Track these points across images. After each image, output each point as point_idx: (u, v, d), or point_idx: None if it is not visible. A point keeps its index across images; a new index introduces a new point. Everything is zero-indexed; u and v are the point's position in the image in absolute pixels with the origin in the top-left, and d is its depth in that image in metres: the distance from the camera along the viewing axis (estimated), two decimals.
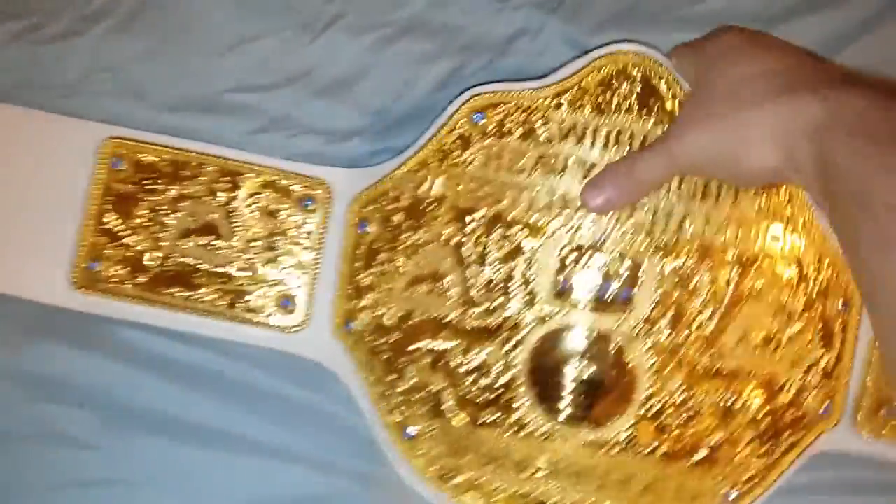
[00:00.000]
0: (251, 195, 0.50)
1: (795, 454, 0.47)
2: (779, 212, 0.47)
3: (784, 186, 0.47)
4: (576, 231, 0.47)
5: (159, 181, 0.50)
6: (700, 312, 0.46)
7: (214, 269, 0.49)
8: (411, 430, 0.47)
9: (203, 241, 0.50)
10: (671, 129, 0.46)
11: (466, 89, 0.48)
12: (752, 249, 0.46)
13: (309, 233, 0.50)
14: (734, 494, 0.46)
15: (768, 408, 0.46)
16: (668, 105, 0.47)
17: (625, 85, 0.47)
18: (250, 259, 0.50)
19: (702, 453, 0.46)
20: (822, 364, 0.47)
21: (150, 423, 0.49)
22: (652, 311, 0.46)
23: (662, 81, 0.47)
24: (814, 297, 0.47)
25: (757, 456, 0.46)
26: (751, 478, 0.46)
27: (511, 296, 0.47)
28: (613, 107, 0.47)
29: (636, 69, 0.47)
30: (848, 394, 0.47)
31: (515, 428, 0.47)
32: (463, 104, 0.48)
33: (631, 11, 0.52)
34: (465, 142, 0.48)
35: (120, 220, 0.50)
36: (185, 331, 0.50)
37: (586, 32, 0.51)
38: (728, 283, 0.46)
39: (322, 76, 0.52)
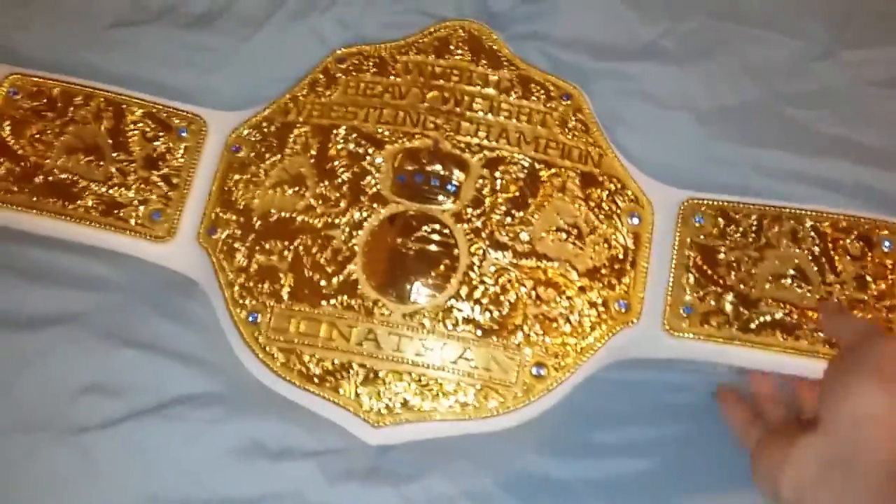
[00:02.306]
0: (132, 122, 0.56)
1: (600, 343, 0.52)
2: (579, 136, 0.56)
3: (585, 116, 0.56)
4: (413, 138, 0.55)
5: (50, 108, 0.56)
6: (514, 201, 0.53)
7: (92, 184, 0.55)
8: (255, 317, 0.52)
9: (85, 159, 0.55)
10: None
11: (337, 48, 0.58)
12: (555, 160, 0.55)
13: (183, 157, 0.56)
14: (542, 371, 0.51)
15: (576, 295, 0.52)
16: (494, 49, 0.58)
17: (457, 39, 0.58)
18: (127, 177, 0.55)
19: (515, 331, 0.51)
20: (617, 267, 0.53)
21: None
22: (474, 200, 0.53)
23: (484, 37, 0.58)
24: (604, 208, 0.54)
25: (566, 337, 0.51)
26: (561, 359, 0.51)
27: (357, 192, 0.54)
28: (449, 51, 0.58)
29: (462, 30, 0.59)
30: (644, 294, 0.53)
31: (351, 305, 0.51)
32: (329, 55, 0.58)
33: None
34: (329, 78, 0.57)
35: (12, 139, 0.55)
36: (62, 238, 0.54)
37: None
38: (536, 179, 0.54)
39: (188, 11, 0.60)
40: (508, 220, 0.53)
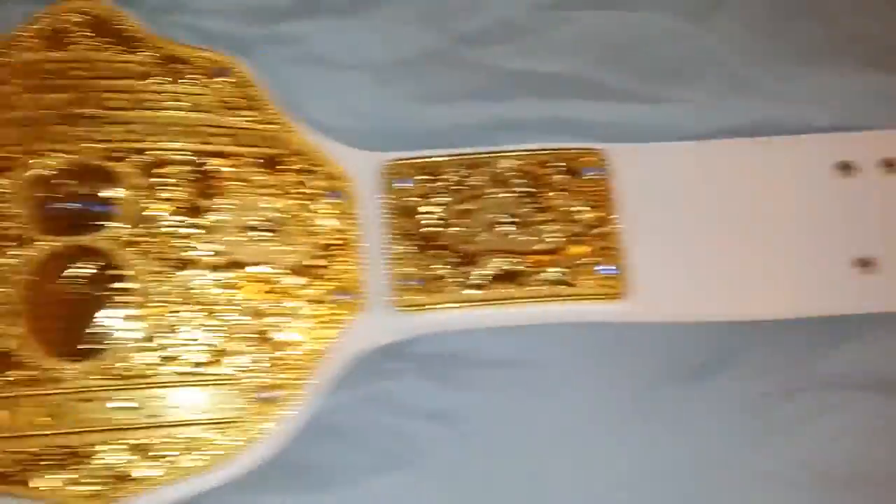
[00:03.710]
0: None
1: (328, 343, 0.46)
2: (248, 114, 0.48)
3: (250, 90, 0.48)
4: (44, 156, 0.44)
5: None
6: (187, 207, 0.45)
7: None
8: None
9: None
10: None
11: None
12: (226, 148, 0.47)
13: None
14: (273, 394, 0.44)
15: (289, 298, 0.46)
16: (125, 29, 0.48)
17: (77, 26, 0.47)
18: None
19: (225, 356, 0.44)
20: (327, 255, 0.47)
21: None
22: (137, 216, 0.44)
23: (112, 19, 0.48)
24: (297, 192, 0.47)
25: (289, 348, 0.45)
26: (291, 373, 0.45)
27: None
28: (69, 40, 0.47)
29: (79, 14, 0.48)
30: (365, 278, 0.47)
31: (20, 378, 0.41)
32: None
33: None
34: None
35: None
36: None
37: None
38: (209, 176, 0.46)
39: None
40: (184, 230, 0.45)
